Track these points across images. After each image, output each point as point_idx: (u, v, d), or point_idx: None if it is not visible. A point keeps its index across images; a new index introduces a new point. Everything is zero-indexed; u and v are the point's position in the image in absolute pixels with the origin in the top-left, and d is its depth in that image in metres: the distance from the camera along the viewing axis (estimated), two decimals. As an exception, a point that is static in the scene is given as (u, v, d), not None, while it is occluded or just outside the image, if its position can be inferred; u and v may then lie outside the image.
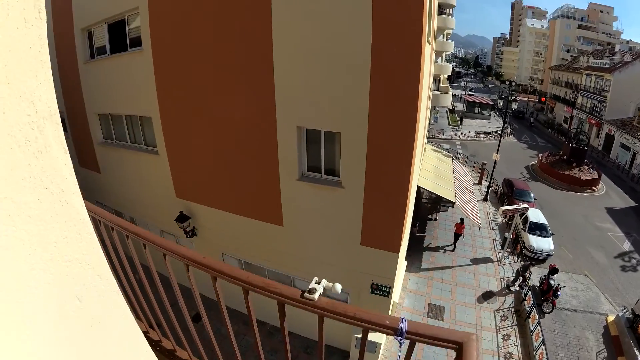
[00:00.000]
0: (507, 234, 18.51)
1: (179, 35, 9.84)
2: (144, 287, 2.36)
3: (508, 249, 18.88)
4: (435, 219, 21.87)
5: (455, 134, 43.19)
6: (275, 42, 8.27)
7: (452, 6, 33.35)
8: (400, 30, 7.02)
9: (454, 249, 19.23)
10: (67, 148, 1.06)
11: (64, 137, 1.05)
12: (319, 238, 9.63)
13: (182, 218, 11.54)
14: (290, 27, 8.05)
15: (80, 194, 1.14)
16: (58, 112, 1.02)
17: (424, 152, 19.85)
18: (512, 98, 27.05)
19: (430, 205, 22.80)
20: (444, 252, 18.99)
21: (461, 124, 48.82)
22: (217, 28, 9.02)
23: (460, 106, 58.68)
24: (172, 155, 11.59)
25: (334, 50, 7.74)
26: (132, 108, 12.30)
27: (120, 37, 11.90)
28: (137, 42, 11.18)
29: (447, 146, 36.56)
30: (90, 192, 16.56)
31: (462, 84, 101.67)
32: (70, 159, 1.08)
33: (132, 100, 12.10)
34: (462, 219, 18.67)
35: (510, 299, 15.69)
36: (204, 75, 9.70)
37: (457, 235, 18.93)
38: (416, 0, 6.81)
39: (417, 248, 18.49)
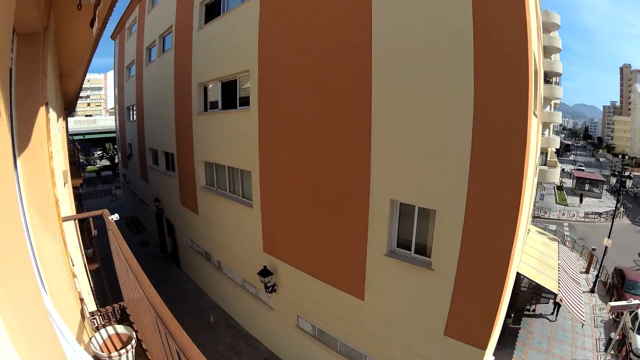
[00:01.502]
0: (613, 334, 15.99)
1: (283, 101, 10.28)
2: None
3: (612, 352, 16.28)
4: (534, 311, 19.65)
5: (563, 214, 39.16)
6: (375, 116, 8.12)
7: (559, 74, 30.83)
8: (504, 101, 6.42)
9: (556, 317, 17.38)
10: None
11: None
12: (399, 320, 9.04)
13: (265, 272, 11.65)
14: (390, 102, 7.84)
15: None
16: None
17: (528, 234, 18.18)
18: (627, 174, 23.83)
19: (530, 294, 20.51)
20: (542, 319, 17.05)
21: (581, 203, 44.10)
22: (319, 99, 9.22)
23: (568, 182, 53.54)
24: (265, 210, 11.90)
25: (433, 126, 7.34)
26: (235, 161, 12.96)
27: (231, 95, 12.81)
28: (245, 102, 11.89)
29: (553, 227, 33.06)
30: (187, 229, 17.79)
31: (571, 157, 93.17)
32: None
33: (236, 154, 12.78)
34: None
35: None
36: (302, 140, 9.91)
37: (558, 304, 17.01)
38: (521, 68, 6.18)
39: (509, 342, 16.53)
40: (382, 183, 8.39)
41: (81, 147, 54.25)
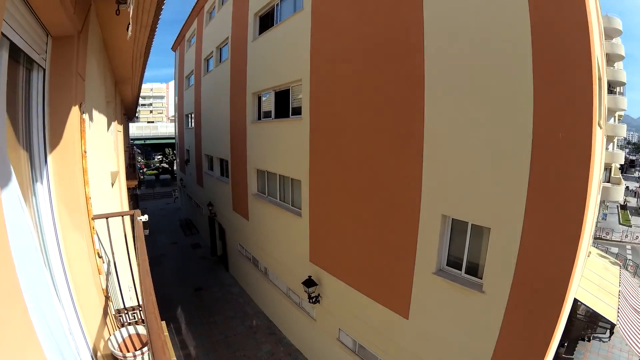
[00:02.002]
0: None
1: (334, 110, 10.24)
2: None
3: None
4: (589, 340, 18.07)
5: (626, 236, 35.78)
6: (427, 127, 7.81)
7: (623, 84, 28.60)
8: (566, 110, 5.88)
9: (610, 337, 16.08)
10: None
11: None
12: (444, 343, 8.54)
13: (309, 283, 11.56)
14: (443, 112, 7.49)
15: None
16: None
17: (588, 256, 16.80)
18: None
19: (586, 323, 18.84)
20: (600, 341, 15.63)
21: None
22: (369, 109, 9.07)
23: (633, 201, 49.10)
24: (313, 220, 11.86)
25: (489, 138, 6.91)
26: (286, 169, 13.08)
27: (284, 104, 13.02)
28: (298, 111, 12.02)
29: (615, 250, 30.32)
30: (237, 234, 18.18)
31: (636, 174, 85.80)
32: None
33: (287, 163, 12.93)
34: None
35: None
36: (352, 150, 9.77)
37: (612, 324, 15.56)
38: (584, 70, 5.64)
39: (560, 374, 15.38)
40: (434, 197, 8.04)
41: (142, 151, 57.72)
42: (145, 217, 3.49)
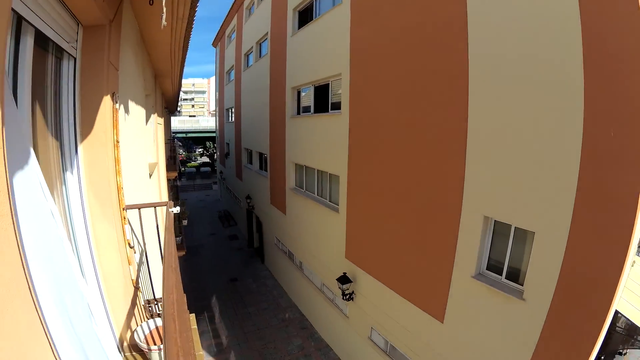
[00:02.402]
0: None
1: (373, 105, 10.02)
2: None
3: None
4: (625, 354, 16.86)
5: None
6: (471, 124, 7.45)
7: None
8: (619, 107, 5.39)
9: None
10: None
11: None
12: (479, 350, 8.17)
13: (344, 279, 11.43)
14: (488, 108, 7.11)
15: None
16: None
17: (632, 266, 15.69)
18: None
19: (625, 336, 17.55)
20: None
21: None
22: (409, 105, 8.78)
23: None
24: (350, 216, 11.72)
25: (536, 137, 6.49)
26: (324, 165, 12.98)
27: (323, 99, 12.94)
28: (337, 106, 11.90)
29: None
30: (274, 228, 18.34)
31: None
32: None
33: (325, 158, 12.82)
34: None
35: None
36: (391, 146, 9.52)
37: None
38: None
39: (595, 386, 14.53)
40: (476, 197, 7.68)
41: (183, 144, 59.39)
42: (176, 209, 3.48)
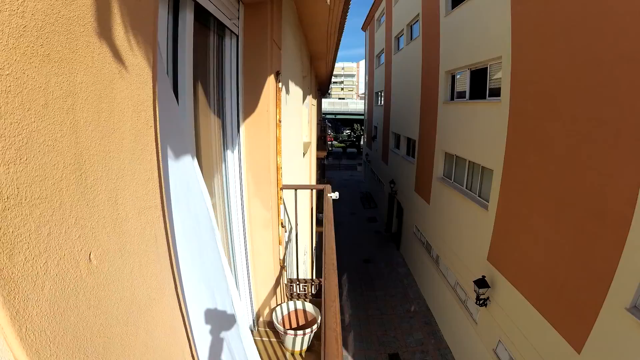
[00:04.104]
0: None
1: (538, 93, 8.52)
2: None
3: None
4: None
5: None
6: None
7: None
8: None
9: None
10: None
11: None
12: None
13: (481, 283, 10.44)
14: None
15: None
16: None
17: None
18: None
19: None
20: None
21: None
22: (581, 94, 7.14)
23: None
24: (500, 216, 10.58)
25: None
26: (477, 156, 11.92)
27: (480, 85, 11.75)
28: (495, 92, 10.68)
29: None
30: (415, 216, 17.85)
31: None
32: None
33: (479, 148, 11.73)
34: None
35: None
36: (556, 142, 8.03)
37: None
38: None
39: None
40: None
41: (332, 125, 61.55)
42: (335, 195, 3.39)
